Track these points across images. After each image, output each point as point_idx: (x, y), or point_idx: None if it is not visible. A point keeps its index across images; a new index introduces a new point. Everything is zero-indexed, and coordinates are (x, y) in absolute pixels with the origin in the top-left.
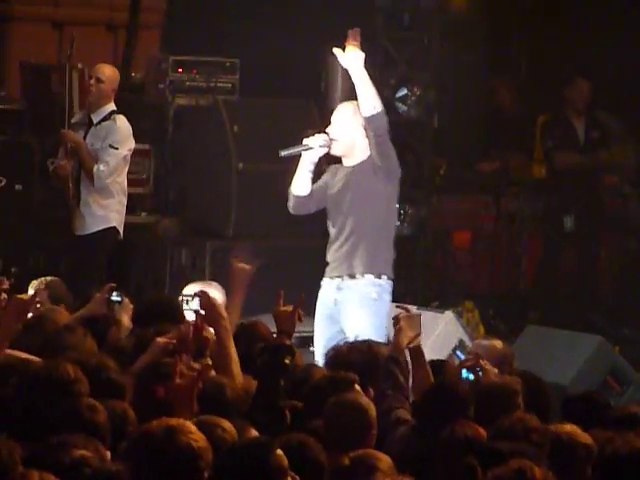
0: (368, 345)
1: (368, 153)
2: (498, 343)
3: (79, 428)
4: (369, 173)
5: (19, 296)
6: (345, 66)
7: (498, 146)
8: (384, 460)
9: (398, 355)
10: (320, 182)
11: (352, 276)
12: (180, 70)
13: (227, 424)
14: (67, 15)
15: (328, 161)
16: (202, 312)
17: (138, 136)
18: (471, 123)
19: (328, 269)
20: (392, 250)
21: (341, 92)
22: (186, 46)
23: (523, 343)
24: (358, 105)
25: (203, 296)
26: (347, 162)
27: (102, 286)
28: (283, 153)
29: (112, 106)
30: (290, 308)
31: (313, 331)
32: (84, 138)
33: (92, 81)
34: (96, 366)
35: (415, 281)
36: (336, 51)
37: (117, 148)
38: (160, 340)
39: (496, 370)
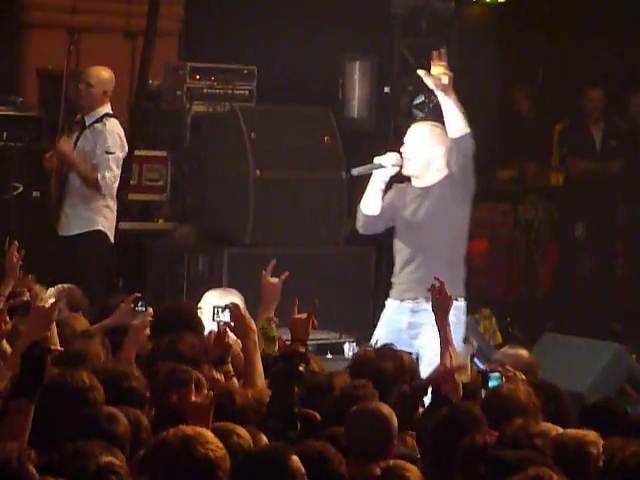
0: (394, 353)
1: (443, 174)
2: (524, 352)
3: (97, 436)
4: (446, 194)
5: (41, 304)
6: (431, 87)
7: (515, 153)
8: (413, 471)
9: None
10: (387, 200)
11: (429, 298)
12: (198, 77)
13: (242, 431)
14: (84, 22)
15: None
16: (232, 324)
17: (155, 143)
18: (488, 130)
19: (398, 290)
20: (465, 269)
21: (358, 100)
22: (204, 53)
23: (540, 351)
24: (435, 126)
25: (234, 308)
26: (419, 183)
27: (113, 292)
28: (355, 172)
29: (106, 109)
30: (304, 316)
31: (330, 339)
32: (77, 140)
33: (81, 85)
34: (118, 374)
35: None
36: (421, 72)
37: (113, 152)
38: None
39: (523, 377)
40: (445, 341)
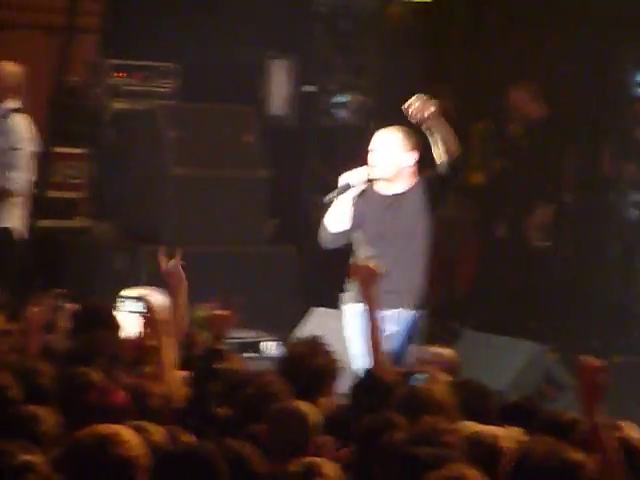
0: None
1: (414, 180)
2: (446, 351)
3: (17, 435)
4: (418, 201)
5: None
6: (418, 120)
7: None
8: (331, 468)
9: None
10: (357, 211)
11: (409, 308)
12: (118, 74)
13: (158, 428)
14: (3, 18)
15: None
16: (144, 317)
17: (75, 140)
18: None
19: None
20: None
21: (280, 98)
22: (125, 51)
23: (460, 349)
24: (404, 131)
25: (146, 300)
26: (390, 190)
27: (31, 290)
28: (326, 199)
29: (12, 104)
30: (224, 314)
31: (250, 337)
32: None
33: None
34: (29, 370)
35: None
36: (405, 109)
37: (20, 148)
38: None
39: (445, 377)
40: (371, 315)
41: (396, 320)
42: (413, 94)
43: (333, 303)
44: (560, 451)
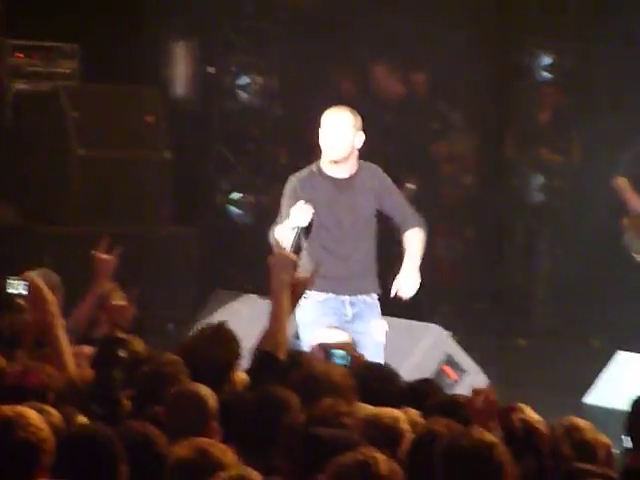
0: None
1: (357, 167)
2: (342, 334)
3: None
4: (367, 183)
5: None
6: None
7: None
8: (226, 451)
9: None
10: (306, 200)
11: (368, 293)
12: (19, 55)
13: (52, 410)
14: None
15: None
16: (26, 296)
17: None
18: (312, 112)
19: (332, 284)
20: None
21: (181, 80)
22: (26, 31)
23: None
24: (352, 111)
25: (31, 280)
26: (338, 172)
27: None
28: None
29: None
30: (123, 303)
31: (149, 318)
32: None
33: None
34: None
35: (256, 269)
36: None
37: None
38: None
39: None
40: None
41: (367, 301)
42: (315, 75)
43: (235, 285)
44: (473, 433)
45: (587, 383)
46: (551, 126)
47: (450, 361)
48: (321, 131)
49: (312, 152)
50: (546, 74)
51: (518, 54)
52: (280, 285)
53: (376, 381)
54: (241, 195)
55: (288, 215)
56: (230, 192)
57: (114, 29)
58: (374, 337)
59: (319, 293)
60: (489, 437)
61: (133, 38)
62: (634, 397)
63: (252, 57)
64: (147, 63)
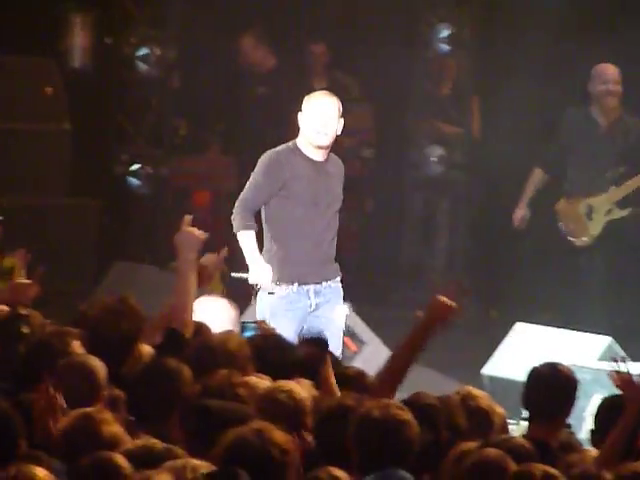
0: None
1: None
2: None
3: None
4: (338, 176)
5: None
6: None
7: None
8: (110, 420)
9: None
10: (279, 173)
11: (334, 279)
12: None
13: None
14: None
15: None
16: None
17: None
18: (212, 83)
19: (296, 273)
20: None
21: (79, 51)
22: None
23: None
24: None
25: None
26: (316, 155)
27: None
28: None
29: None
30: (26, 282)
31: (49, 292)
32: None
33: None
34: None
35: (156, 240)
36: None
37: None
38: None
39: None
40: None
41: (332, 287)
42: (213, 47)
43: (135, 257)
44: (389, 407)
45: (486, 355)
46: (450, 98)
47: (350, 332)
48: (308, 116)
49: (211, 122)
50: (445, 46)
51: (418, 25)
52: (186, 263)
53: (271, 351)
54: (140, 166)
55: (261, 195)
56: (129, 163)
57: (11, 1)
58: (337, 323)
59: (283, 287)
60: (407, 415)
61: (30, 9)
62: (529, 369)
63: (151, 28)
64: (46, 35)
